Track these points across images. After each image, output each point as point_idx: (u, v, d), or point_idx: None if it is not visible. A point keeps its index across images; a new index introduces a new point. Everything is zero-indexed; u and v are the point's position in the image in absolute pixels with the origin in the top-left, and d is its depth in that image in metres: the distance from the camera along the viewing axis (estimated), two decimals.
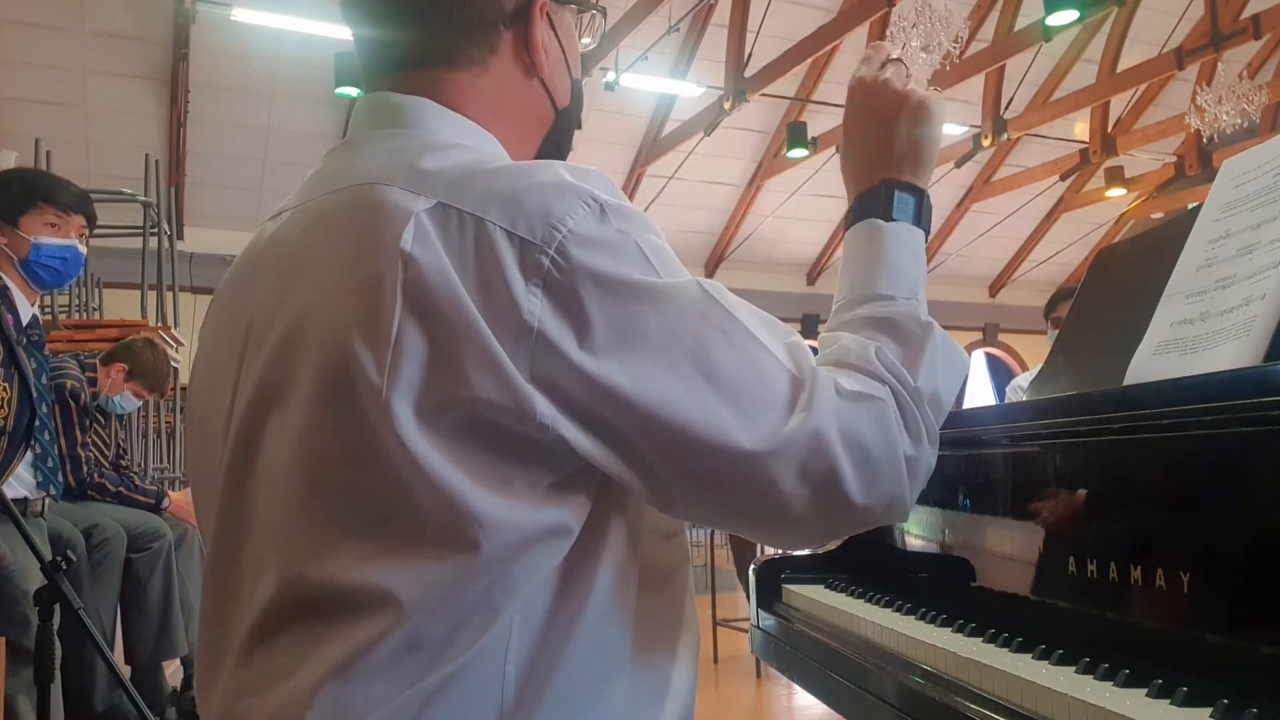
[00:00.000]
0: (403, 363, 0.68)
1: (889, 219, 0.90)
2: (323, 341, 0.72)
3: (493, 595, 0.70)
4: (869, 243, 0.90)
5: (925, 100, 0.94)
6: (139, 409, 4.06)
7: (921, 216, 0.92)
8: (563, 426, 0.70)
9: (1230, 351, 0.98)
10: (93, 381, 3.46)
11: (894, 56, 0.96)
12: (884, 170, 0.92)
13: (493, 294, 0.69)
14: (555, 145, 0.94)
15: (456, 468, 0.69)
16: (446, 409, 0.68)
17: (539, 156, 0.92)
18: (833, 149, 9.51)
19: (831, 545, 1.65)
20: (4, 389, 2.28)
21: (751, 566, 1.60)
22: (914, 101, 0.93)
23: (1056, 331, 3.70)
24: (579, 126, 0.96)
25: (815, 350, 0.83)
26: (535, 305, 0.69)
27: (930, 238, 0.93)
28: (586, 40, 0.96)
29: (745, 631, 1.79)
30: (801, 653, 1.38)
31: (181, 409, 5.96)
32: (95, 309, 5.84)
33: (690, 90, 9.61)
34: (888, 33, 7.68)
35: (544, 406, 0.69)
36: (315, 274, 0.75)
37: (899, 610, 1.27)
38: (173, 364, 4.12)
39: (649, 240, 0.74)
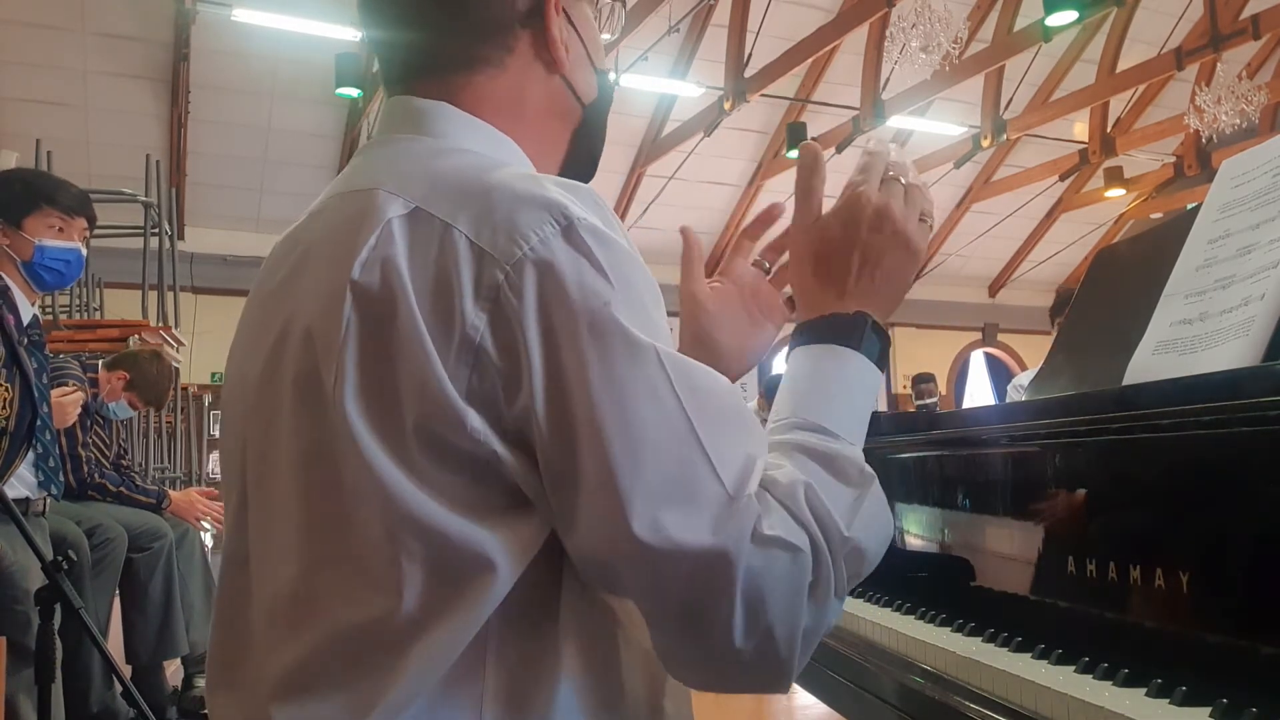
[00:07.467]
0: (349, 366, 0.69)
1: (858, 350, 0.83)
2: (298, 344, 0.73)
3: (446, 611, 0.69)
4: (832, 367, 0.82)
5: (920, 250, 0.87)
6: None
7: (881, 362, 0.85)
8: (494, 444, 0.68)
9: (1229, 351, 0.98)
10: (94, 383, 3.46)
11: (892, 173, 0.87)
12: (861, 302, 0.85)
13: (443, 304, 0.68)
14: (587, 141, 0.93)
15: (407, 476, 0.68)
16: (389, 414, 0.68)
17: (571, 153, 0.92)
18: (833, 149, 9.51)
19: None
20: (6, 389, 2.28)
21: None
22: (913, 247, 0.86)
23: None
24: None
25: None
26: (481, 323, 0.67)
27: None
28: (606, 35, 0.95)
29: None
30: None
31: (183, 410, 5.98)
32: (96, 309, 5.86)
33: (690, 90, 9.60)
34: (887, 33, 7.67)
35: (476, 422, 0.68)
36: (306, 278, 0.76)
37: (899, 610, 1.27)
38: (174, 364, 4.12)
39: (617, 268, 0.70)
